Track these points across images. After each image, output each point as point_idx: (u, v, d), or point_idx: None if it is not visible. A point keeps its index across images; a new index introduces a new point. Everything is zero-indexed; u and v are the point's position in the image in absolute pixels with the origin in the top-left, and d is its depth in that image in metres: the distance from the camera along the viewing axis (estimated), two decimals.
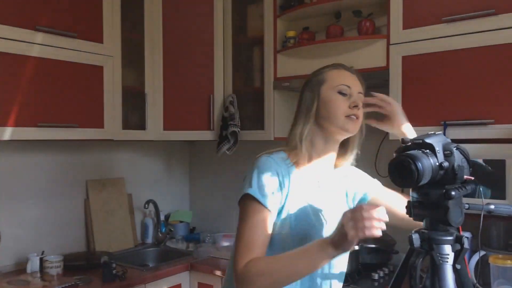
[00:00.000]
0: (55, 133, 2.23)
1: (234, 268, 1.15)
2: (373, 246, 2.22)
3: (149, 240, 2.96)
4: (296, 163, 1.26)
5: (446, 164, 1.00)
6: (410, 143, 1.04)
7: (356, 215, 0.99)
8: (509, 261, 1.77)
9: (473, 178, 1.01)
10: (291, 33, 2.46)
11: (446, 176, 1.00)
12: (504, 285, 1.76)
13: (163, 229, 2.95)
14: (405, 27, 2.07)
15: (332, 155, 1.31)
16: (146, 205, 2.83)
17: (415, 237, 1.04)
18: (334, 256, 1.05)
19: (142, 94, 2.63)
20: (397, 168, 0.99)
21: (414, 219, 1.08)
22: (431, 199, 1.02)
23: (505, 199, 1.84)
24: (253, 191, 1.18)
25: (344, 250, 1.03)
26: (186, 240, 2.98)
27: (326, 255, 1.04)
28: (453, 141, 1.08)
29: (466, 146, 1.86)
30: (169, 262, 2.56)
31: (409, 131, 1.34)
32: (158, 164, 3.18)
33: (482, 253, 1.87)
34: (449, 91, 1.98)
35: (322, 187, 1.30)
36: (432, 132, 1.07)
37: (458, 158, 1.01)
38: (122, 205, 2.86)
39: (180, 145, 3.30)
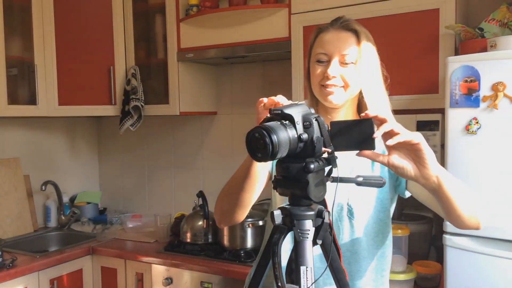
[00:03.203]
0: None
1: None
2: None
3: (52, 224, 2.77)
4: None
5: (305, 136, 0.93)
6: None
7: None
8: (399, 231, 1.80)
9: (330, 150, 0.95)
10: (193, 0, 2.32)
11: (306, 149, 0.94)
12: (396, 254, 1.79)
13: (67, 212, 2.76)
14: None
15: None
16: (43, 187, 2.62)
17: (277, 214, 0.98)
18: None
19: (31, 65, 2.39)
20: (253, 140, 0.92)
21: (280, 195, 1.02)
22: (292, 173, 0.96)
23: None
24: None
25: None
26: (93, 222, 2.82)
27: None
28: None
29: None
30: (69, 246, 2.40)
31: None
32: (60, 143, 2.96)
33: None
34: None
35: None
36: (295, 102, 1.00)
37: (317, 129, 0.95)
38: (17, 187, 2.62)
39: (85, 121, 3.08)
